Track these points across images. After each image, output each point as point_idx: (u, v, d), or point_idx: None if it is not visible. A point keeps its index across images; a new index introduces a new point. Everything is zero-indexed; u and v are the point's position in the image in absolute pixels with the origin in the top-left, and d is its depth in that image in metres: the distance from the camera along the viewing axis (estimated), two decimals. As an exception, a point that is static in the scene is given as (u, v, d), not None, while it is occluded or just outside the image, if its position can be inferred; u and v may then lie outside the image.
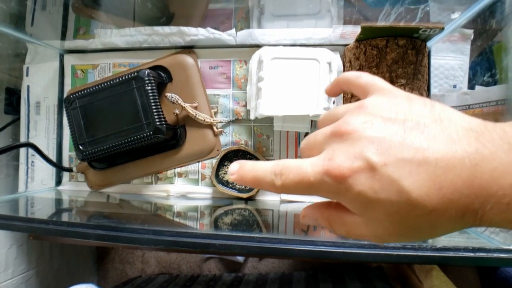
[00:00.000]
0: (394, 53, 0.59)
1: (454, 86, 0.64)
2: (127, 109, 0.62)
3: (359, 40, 0.61)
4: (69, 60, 0.75)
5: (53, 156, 0.74)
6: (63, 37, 0.74)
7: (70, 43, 0.74)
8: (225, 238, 0.46)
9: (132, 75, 0.62)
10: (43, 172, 0.75)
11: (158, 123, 0.61)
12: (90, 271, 1.07)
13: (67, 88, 0.75)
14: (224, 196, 0.68)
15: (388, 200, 0.17)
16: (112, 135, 0.63)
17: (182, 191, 0.71)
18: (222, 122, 0.69)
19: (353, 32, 0.64)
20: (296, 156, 0.68)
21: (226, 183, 0.68)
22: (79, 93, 0.64)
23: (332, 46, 0.66)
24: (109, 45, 0.71)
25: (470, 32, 0.63)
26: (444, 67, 0.64)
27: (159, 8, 0.73)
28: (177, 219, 0.61)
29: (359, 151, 0.18)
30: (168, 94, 0.65)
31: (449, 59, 0.64)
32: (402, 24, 0.61)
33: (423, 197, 0.17)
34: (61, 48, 0.75)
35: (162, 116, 0.62)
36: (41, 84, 0.75)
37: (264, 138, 0.69)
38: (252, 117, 0.66)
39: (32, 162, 0.75)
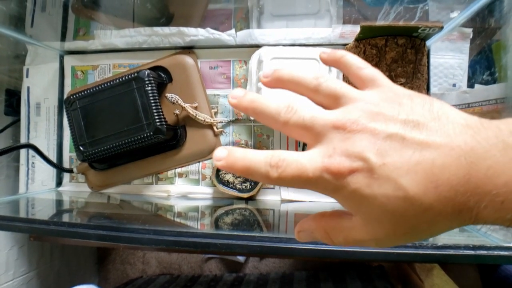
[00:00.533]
0: (393, 52, 0.59)
1: (454, 85, 0.64)
2: (127, 109, 0.62)
3: (358, 39, 0.61)
4: (69, 61, 0.75)
5: (53, 157, 0.74)
6: (63, 38, 0.75)
7: (70, 44, 0.74)
8: (226, 237, 0.46)
9: (132, 75, 0.62)
10: (44, 173, 0.75)
11: (158, 124, 0.61)
12: (91, 272, 1.07)
13: (67, 89, 0.75)
14: (225, 196, 0.68)
15: (385, 196, 0.17)
16: (112, 136, 0.63)
17: (183, 191, 0.71)
18: (222, 122, 0.70)
19: (352, 31, 0.64)
20: (296, 149, 0.68)
21: (226, 183, 0.68)
22: (79, 94, 0.64)
23: (331, 46, 0.66)
24: (109, 46, 0.71)
25: (469, 30, 0.63)
26: (443, 66, 0.64)
27: (159, 8, 0.73)
28: (177, 219, 0.61)
29: (359, 150, 0.18)
30: (168, 95, 0.65)
31: (448, 58, 0.64)
32: (401, 23, 0.61)
33: (420, 195, 0.17)
34: (61, 49, 0.75)
35: (162, 116, 0.62)
36: (41, 85, 0.75)
37: (264, 138, 0.69)
38: (252, 117, 0.66)
39: (33, 163, 0.75)
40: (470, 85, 0.63)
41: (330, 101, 0.21)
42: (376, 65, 0.60)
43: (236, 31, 0.67)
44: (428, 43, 0.62)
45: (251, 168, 0.19)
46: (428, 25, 0.55)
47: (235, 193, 0.67)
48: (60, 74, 0.75)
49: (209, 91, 0.70)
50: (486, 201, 0.16)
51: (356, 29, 0.59)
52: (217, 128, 0.69)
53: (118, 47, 0.71)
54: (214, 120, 0.68)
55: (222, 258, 1.05)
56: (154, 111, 0.61)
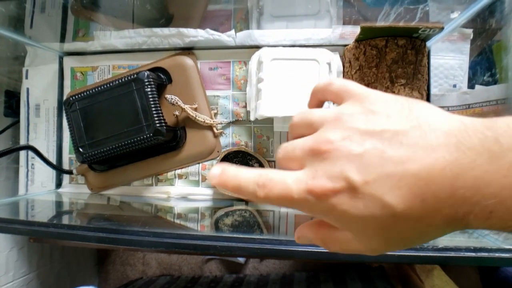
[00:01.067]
0: (393, 53, 0.59)
1: (454, 86, 0.64)
2: (127, 111, 0.62)
3: (358, 40, 0.61)
4: (69, 62, 0.75)
5: (53, 159, 0.74)
6: (62, 39, 0.74)
7: (69, 45, 0.74)
8: (226, 239, 0.46)
9: (132, 77, 0.61)
10: (43, 175, 0.75)
11: (158, 125, 0.61)
12: (91, 273, 1.07)
13: (67, 90, 0.75)
14: (225, 197, 0.68)
15: (372, 216, 0.17)
16: (112, 137, 0.63)
17: (183, 192, 0.70)
18: (222, 123, 0.69)
19: (352, 32, 0.64)
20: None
21: (226, 184, 0.68)
22: (79, 95, 0.64)
23: (331, 47, 0.66)
24: (109, 47, 0.71)
25: (469, 31, 0.63)
26: (443, 67, 0.64)
27: (158, 9, 0.73)
28: (177, 221, 0.61)
29: (340, 170, 0.17)
30: (168, 96, 0.65)
31: (448, 58, 0.64)
32: (401, 24, 0.61)
33: (407, 210, 0.17)
34: (60, 51, 0.75)
35: (162, 117, 0.62)
36: (40, 86, 0.75)
37: (265, 139, 0.69)
38: (252, 118, 0.65)
39: (32, 164, 0.75)
40: (471, 86, 0.63)
41: (308, 129, 0.21)
42: (376, 66, 0.60)
43: (235, 32, 0.66)
44: (428, 44, 0.62)
45: (241, 187, 0.20)
46: (428, 26, 0.55)
47: (235, 194, 0.67)
48: (60, 76, 0.75)
49: (209, 92, 0.70)
50: (474, 212, 0.16)
51: (356, 30, 0.59)
52: (217, 129, 0.69)
53: (117, 48, 0.71)
54: (214, 121, 0.68)
55: (222, 259, 1.04)
56: (154, 112, 0.61)
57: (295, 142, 0.20)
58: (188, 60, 0.69)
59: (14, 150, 0.67)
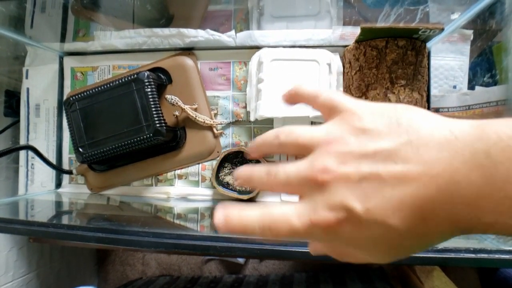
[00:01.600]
0: (394, 54, 0.59)
1: (454, 87, 0.64)
2: (127, 111, 0.62)
3: (358, 41, 0.61)
4: (69, 62, 0.75)
5: (53, 159, 0.74)
6: (63, 39, 0.74)
7: (69, 45, 0.74)
8: (225, 240, 0.46)
9: (132, 77, 0.61)
10: (43, 175, 0.75)
11: (158, 125, 0.61)
12: (91, 273, 1.07)
13: (67, 90, 0.75)
14: (225, 198, 0.68)
15: (378, 237, 0.18)
16: (112, 137, 0.63)
17: (182, 193, 0.70)
18: (222, 124, 0.69)
19: (352, 33, 0.64)
20: (296, 158, 0.68)
21: (226, 185, 0.68)
22: (79, 96, 0.64)
23: (331, 47, 0.66)
24: (109, 47, 0.71)
25: (469, 32, 0.63)
26: (444, 68, 0.64)
27: (159, 10, 0.73)
28: (177, 221, 0.61)
29: (340, 200, 0.18)
30: (168, 96, 0.65)
31: (449, 59, 0.64)
32: (401, 25, 0.61)
33: (411, 228, 0.17)
34: (61, 51, 0.75)
35: (162, 118, 0.62)
36: (40, 86, 0.75)
37: (264, 139, 0.69)
38: (252, 118, 0.66)
39: (32, 164, 0.75)
40: (471, 87, 0.63)
41: (299, 150, 0.21)
42: (377, 66, 0.60)
43: (236, 32, 0.66)
44: (428, 44, 0.62)
45: (247, 230, 0.20)
46: (428, 26, 0.55)
47: (235, 195, 0.67)
48: (60, 75, 0.75)
49: (209, 93, 0.70)
50: (474, 225, 0.17)
51: (357, 30, 0.59)
52: (217, 130, 0.69)
53: (117, 48, 0.71)
54: (214, 122, 0.68)
55: (222, 259, 1.04)
56: (154, 112, 0.61)
57: (286, 168, 0.20)
58: (188, 61, 0.69)
59: (14, 150, 0.67)
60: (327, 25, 0.67)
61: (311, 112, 0.60)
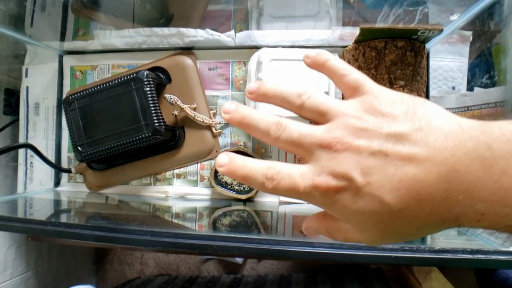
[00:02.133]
0: (393, 55, 0.59)
1: (453, 88, 0.64)
2: (126, 110, 0.62)
3: (358, 41, 0.61)
4: (68, 61, 0.75)
5: (51, 157, 0.74)
6: (62, 38, 0.75)
7: (69, 44, 0.74)
8: (223, 239, 0.46)
9: (131, 76, 0.62)
10: (42, 173, 0.75)
11: (157, 124, 0.61)
12: (89, 272, 1.07)
13: (66, 89, 0.75)
14: (223, 197, 0.68)
15: (370, 212, 0.19)
16: (110, 136, 0.63)
17: (181, 192, 0.70)
18: (221, 124, 0.69)
19: (352, 33, 0.64)
20: (295, 159, 0.68)
21: (224, 185, 0.68)
22: (78, 94, 0.64)
23: (331, 48, 0.66)
24: (108, 46, 0.71)
25: (469, 33, 0.63)
26: (443, 69, 0.64)
27: (158, 9, 0.73)
28: (175, 221, 0.61)
29: (345, 170, 0.19)
30: (167, 95, 0.65)
31: (448, 60, 0.64)
32: (400, 25, 0.61)
33: (404, 209, 0.18)
34: (60, 49, 0.75)
35: (161, 117, 0.62)
36: (40, 85, 0.75)
37: (263, 139, 0.69)
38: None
39: (31, 163, 0.75)
40: (470, 88, 0.63)
41: (316, 116, 0.22)
42: (376, 67, 0.60)
43: (235, 32, 0.66)
44: (427, 45, 0.62)
45: (249, 177, 0.20)
46: (427, 27, 0.55)
47: (233, 194, 0.67)
48: (59, 74, 0.75)
49: (208, 92, 0.70)
50: (467, 213, 0.17)
51: (356, 31, 0.59)
52: (216, 129, 0.69)
53: (117, 47, 0.71)
54: (212, 121, 0.68)
55: (220, 259, 1.04)
56: (153, 111, 0.61)
57: (302, 129, 0.21)
58: (187, 60, 0.69)
59: (13, 148, 0.67)
60: (327, 25, 0.67)
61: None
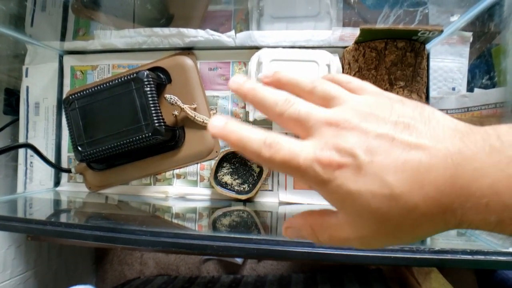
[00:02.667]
0: (393, 55, 0.59)
1: (453, 89, 0.64)
2: (126, 110, 0.62)
3: (358, 42, 0.61)
4: (69, 61, 0.75)
5: (51, 157, 0.74)
6: (63, 38, 0.75)
7: (69, 44, 0.74)
8: (223, 239, 0.46)
9: (131, 76, 0.62)
10: (42, 173, 0.75)
11: (157, 124, 0.61)
12: (88, 272, 1.07)
13: (66, 89, 0.75)
14: (223, 197, 0.68)
15: (370, 192, 0.18)
16: (111, 136, 0.63)
17: (181, 192, 0.70)
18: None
19: (352, 34, 0.64)
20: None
21: (224, 185, 0.68)
22: (78, 94, 0.64)
23: (331, 48, 0.66)
24: (109, 46, 0.71)
25: (469, 34, 0.63)
26: (443, 70, 0.64)
27: (159, 9, 0.73)
28: (175, 221, 0.61)
29: (350, 146, 0.18)
30: (167, 96, 0.65)
31: (448, 61, 0.64)
32: (401, 26, 0.61)
33: (406, 193, 0.17)
34: (61, 49, 0.75)
35: (161, 117, 0.62)
36: (40, 85, 0.75)
37: (263, 139, 0.69)
38: (251, 118, 0.66)
39: (31, 163, 0.75)
40: (470, 89, 0.63)
41: (324, 102, 0.22)
42: (376, 68, 0.60)
43: (235, 33, 0.66)
44: (427, 46, 0.62)
45: (243, 141, 0.19)
46: (428, 28, 0.55)
47: (233, 194, 0.67)
48: (59, 74, 0.75)
49: (208, 93, 0.70)
50: (470, 203, 0.16)
51: (356, 31, 0.59)
52: (216, 130, 0.69)
53: (117, 47, 0.71)
54: (213, 122, 0.68)
55: (220, 259, 1.04)
56: (153, 112, 0.61)
57: (311, 107, 0.20)
58: (188, 60, 0.69)
59: (13, 148, 0.67)
60: (327, 26, 0.67)
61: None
